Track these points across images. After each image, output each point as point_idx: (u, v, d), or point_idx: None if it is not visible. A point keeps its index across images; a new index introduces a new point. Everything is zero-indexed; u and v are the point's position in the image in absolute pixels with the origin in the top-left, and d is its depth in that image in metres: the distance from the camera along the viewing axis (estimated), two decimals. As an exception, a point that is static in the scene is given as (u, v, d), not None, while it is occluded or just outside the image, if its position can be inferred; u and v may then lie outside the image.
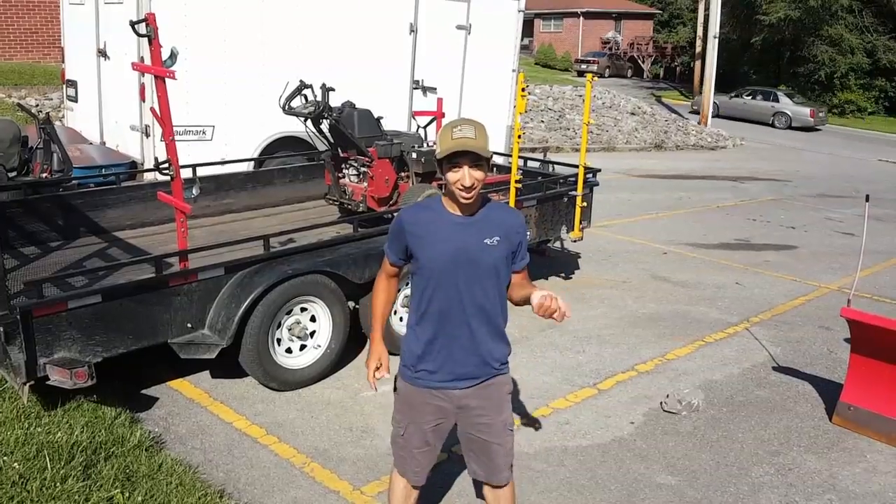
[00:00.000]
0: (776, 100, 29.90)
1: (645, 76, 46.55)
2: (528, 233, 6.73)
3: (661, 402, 5.21)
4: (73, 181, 6.95)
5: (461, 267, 2.77)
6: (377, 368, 3.03)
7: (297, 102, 6.38)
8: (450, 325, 2.83)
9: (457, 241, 2.78)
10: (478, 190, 2.72)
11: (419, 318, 2.90)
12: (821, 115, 29.94)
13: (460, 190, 2.70)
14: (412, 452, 3.04)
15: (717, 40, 24.74)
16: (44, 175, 7.32)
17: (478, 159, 2.67)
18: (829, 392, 5.45)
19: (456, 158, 2.66)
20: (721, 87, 30.36)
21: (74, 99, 9.65)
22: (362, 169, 6.60)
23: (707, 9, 28.31)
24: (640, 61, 47.39)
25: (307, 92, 6.35)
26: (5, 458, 3.79)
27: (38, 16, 16.90)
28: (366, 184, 6.57)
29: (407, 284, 4.60)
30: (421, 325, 2.89)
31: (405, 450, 3.05)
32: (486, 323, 2.86)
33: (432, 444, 3.03)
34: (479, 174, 2.69)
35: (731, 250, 9.73)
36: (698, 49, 34.03)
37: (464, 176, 2.67)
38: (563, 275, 8.03)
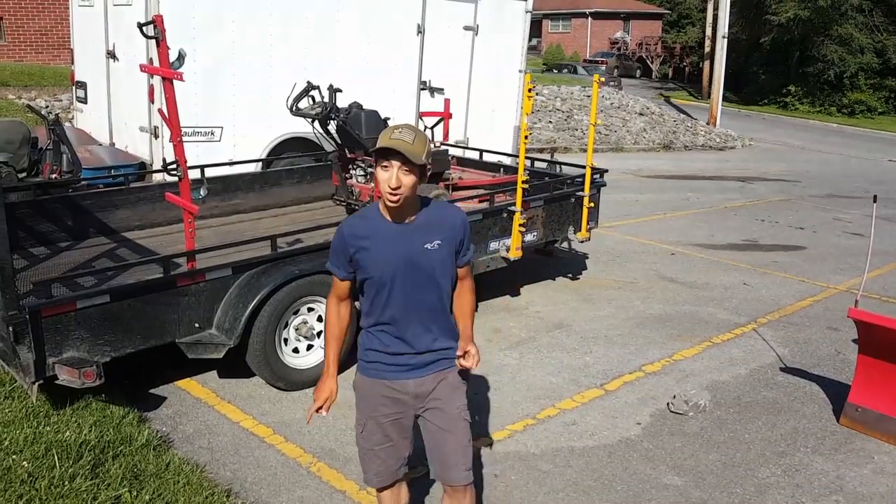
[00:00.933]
0: (575, 71, 36.65)
1: (654, 76, 46.49)
2: (534, 235, 6.74)
3: (667, 403, 5.20)
4: (83, 182, 6.98)
5: (407, 273, 2.79)
6: (325, 400, 2.99)
7: (304, 103, 6.41)
8: (403, 328, 2.86)
9: (398, 249, 2.78)
10: (405, 196, 2.69)
11: (372, 323, 2.90)
12: (612, 83, 34.94)
13: (387, 191, 2.67)
14: (374, 450, 3.00)
15: (725, 40, 24.72)
16: (53, 176, 7.36)
17: (408, 163, 2.64)
18: (836, 393, 5.43)
19: (388, 157, 2.64)
20: (730, 87, 30.31)
21: (84, 100, 9.71)
22: (369, 169, 6.62)
23: (716, 9, 28.29)
24: (648, 61, 47.34)
25: (314, 93, 6.38)
26: (14, 456, 3.82)
27: (49, 18, 17.01)
28: (373, 184, 6.59)
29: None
30: (375, 328, 2.90)
31: (365, 449, 3.02)
32: (436, 322, 2.90)
33: (394, 439, 2.98)
34: (408, 179, 2.67)
35: (739, 251, 9.71)
36: (707, 49, 34.06)
37: (391, 176, 2.65)
38: (570, 275, 8.02)
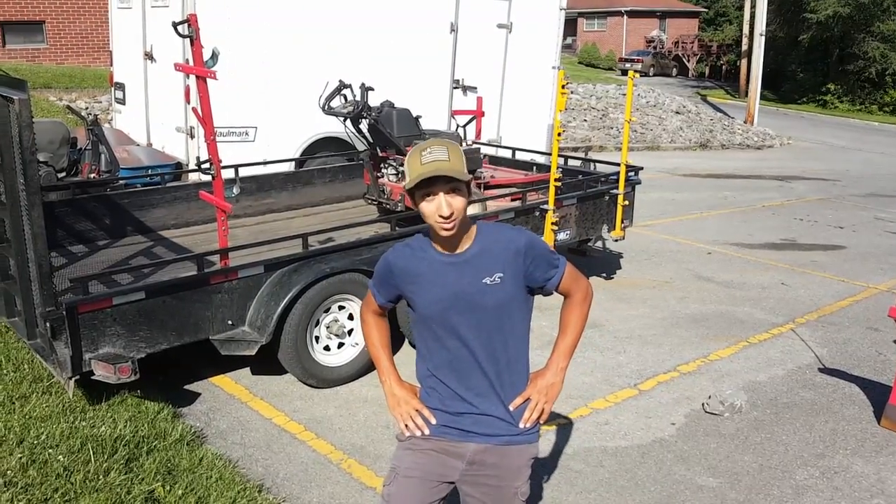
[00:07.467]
0: None
1: (690, 75, 45.97)
2: (567, 233, 6.67)
3: (703, 404, 5.13)
4: (120, 181, 7.09)
5: (461, 314, 2.38)
6: (415, 408, 2.51)
7: (336, 102, 6.43)
8: (462, 378, 2.44)
9: (451, 286, 2.37)
10: (459, 220, 2.31)
11: (427, 371, 2.51)
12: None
13: (439, 221, 2.28)
14: None
15: (763, 38, 24.31)
16: (92, 175, 7.51)
17: (452, 182, 2.27)
18: (877, 394, 5.31)
19: (429, 186, 2.27)
20: (768, 85, 29.82)
21: (122, 101, 9.85)
22: (401, 168, 6.62)
23: (753, 6, 27.87)
24: (685, 60, 46.81)
25: (346, 92, 6.39)
26: (51, 450, 3.88)
27: (89, 20, 17.35)
28: (404, 182, 6.58)
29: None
30: (431, 378, 2.50)
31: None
32: (504, 373, 2.45)
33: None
34: (457, 201, 2.28)
35: (776, 250, 9.54)
36: (744, 47, 33.54)
37: (440, 205, 2.27)
38: (604, 275, 7.95)
